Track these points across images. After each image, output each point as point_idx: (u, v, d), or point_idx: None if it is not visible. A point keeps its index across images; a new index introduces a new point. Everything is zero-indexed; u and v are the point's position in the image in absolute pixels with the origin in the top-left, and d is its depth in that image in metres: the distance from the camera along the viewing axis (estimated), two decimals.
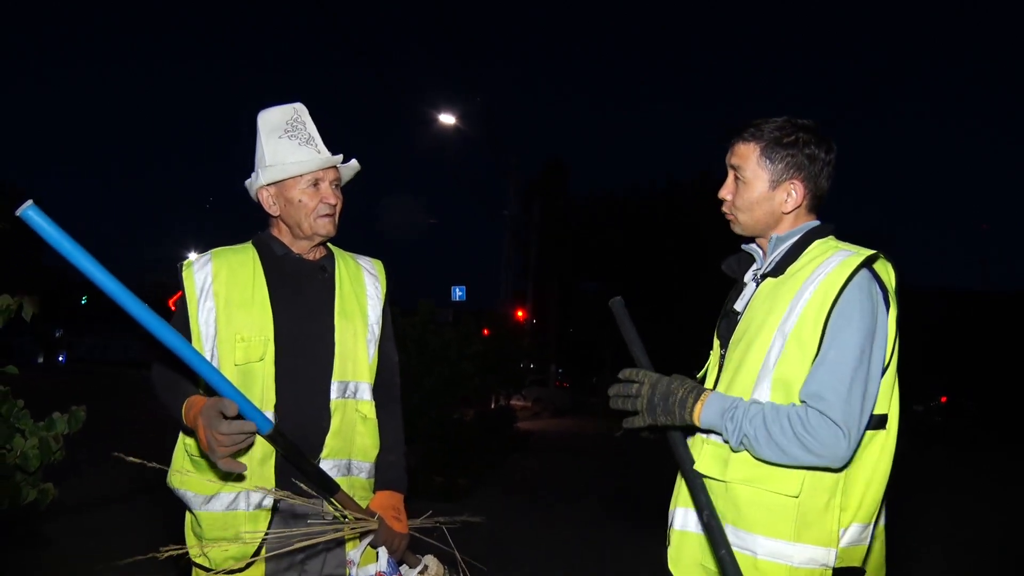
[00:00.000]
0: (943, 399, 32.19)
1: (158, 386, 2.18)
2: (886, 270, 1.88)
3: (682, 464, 1.96)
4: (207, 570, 2.17)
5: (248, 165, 2.38)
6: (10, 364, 2.85)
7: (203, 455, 2.12)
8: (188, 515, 2.24)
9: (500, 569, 6.22)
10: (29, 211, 1.46)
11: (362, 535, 2.21)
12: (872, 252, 1.86)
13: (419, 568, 2.31)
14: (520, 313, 30.49)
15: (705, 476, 1.92)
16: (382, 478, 2.39)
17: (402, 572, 2.27)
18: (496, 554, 6.69)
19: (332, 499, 2.16)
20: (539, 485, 11.16)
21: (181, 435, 2.23)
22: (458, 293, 28.55)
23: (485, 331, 18.33)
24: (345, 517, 2.17)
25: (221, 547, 2.12)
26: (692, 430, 1.98)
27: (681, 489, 2.06)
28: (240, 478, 2.13)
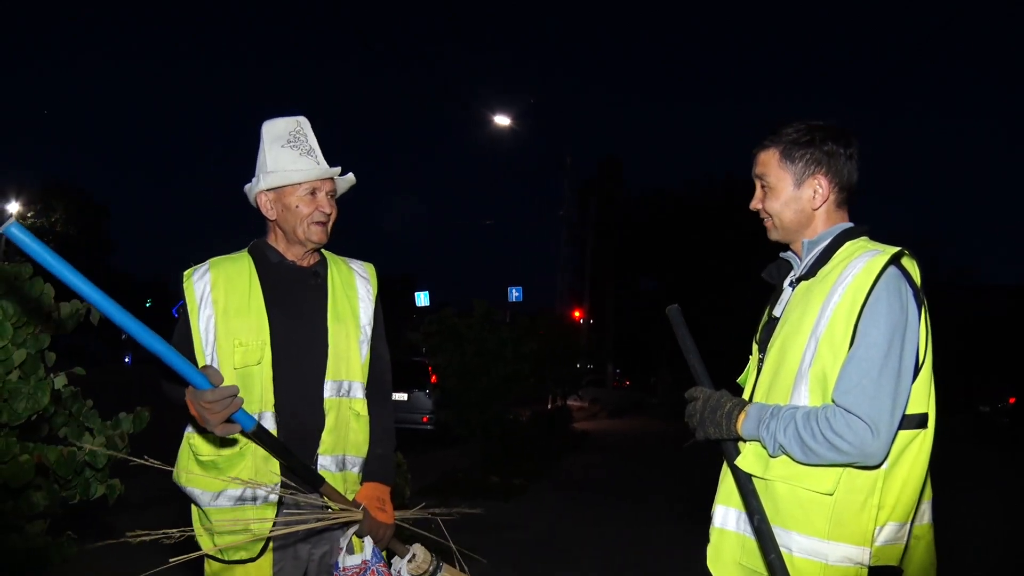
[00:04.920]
0: (1011, 400, 31.20)
1: (165, 387, 2.29)
2: (913, 267, 1.90)
3: (735, 472, 1.99)
4: (221, 562, 2.29)
5: (249, 171, 2.50)
6: (78, 366, 2.99)
7: (203, 443, 2.26)
8: (196, 511, 2.36)
9: (556, 566, 6.27)
10: (12, 228, 1.51)
11: (348, 525, 2.32)
12: (898, 249, 1.88)
13: (408, 557, 2.40)
14: (577, 312, 30.47)
15: (747, 474, 1.95)
16: (369, 470, 2.49)
17: (392, 563, 2.38)
18: (551, 551, 6.74)
19: (319, 491, 2.25)
20: (595, 485, 11.17)
21: (186, 436, 2.34)
22: (515, 294, 28.56)
23: (541, 331, 18.40)
24: (330, 508, 2.28)
25: (233, 539, 2.24)
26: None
27: (723, 487, 2.10)
28: (245, 472, 2.25)
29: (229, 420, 2.01)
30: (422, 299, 32.37)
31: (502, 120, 22.77)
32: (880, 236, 2.02)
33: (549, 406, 17.91)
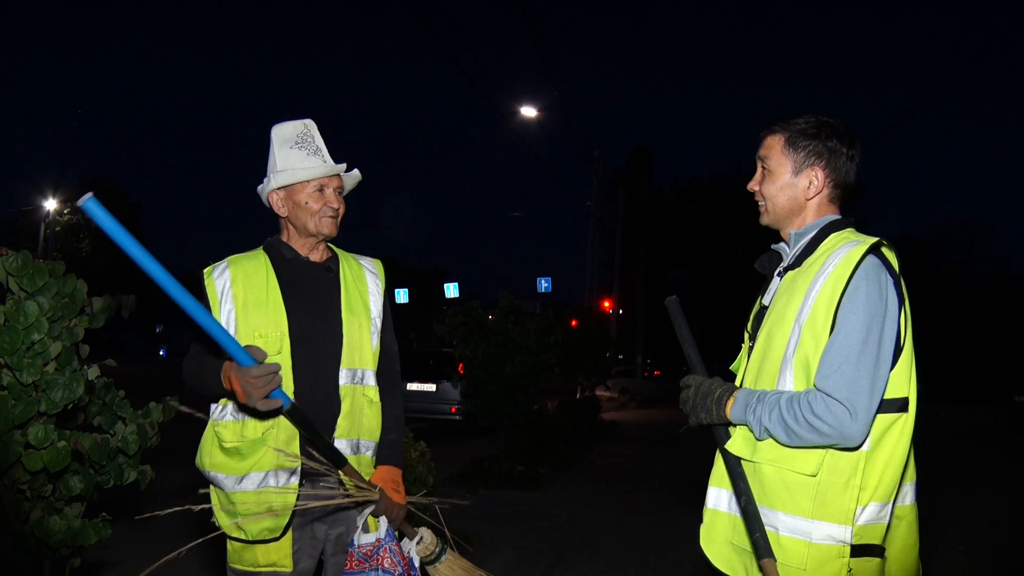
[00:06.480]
0: None
1: (187, 378, 2.45)
2: (892, 256, 1.98)
3: (725, 455, 2.10)
4: (244, 542, 2.42)
5: (260, 172, 2.65)
6: (114, 359, 3.15)
7: (231, 429, 2.40)
8: (217, 496, 2.48)
9: (578, 554, 6.37)
10: (89, 202, 1.64)
11: (364, 504, 2.46)
12: (877, 239, 1.97)
13: (416, 539, 2.55)
14: (606, 303, 30.47)
15: (736, 456, 2.05)
16: (383, 454, 2.63)
17: (402, 544, 2.52)
18: (573, 541, 6.83)
19: (341, 471, 2.39)
20: (621, 474, 11.26)
21: (211, 424, 2.47)
22: (544, 284, 28.63)
23: (574, 322, 18.46)
24: (348, 488, 2.41)
25: (256, 521, 2.36)
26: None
27: (715, 470, 2.20)
28: (267, 458, 2.38)
29: (268, 397, 2.14)
30: (452, 290, 32.58)
31: (528, 111, 22.77)
32: (878, 230, 2.09)
33: (577, 396, 17.98)
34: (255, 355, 2.09)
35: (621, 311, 34.68)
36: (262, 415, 2.36)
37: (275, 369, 2.11)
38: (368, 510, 2.46)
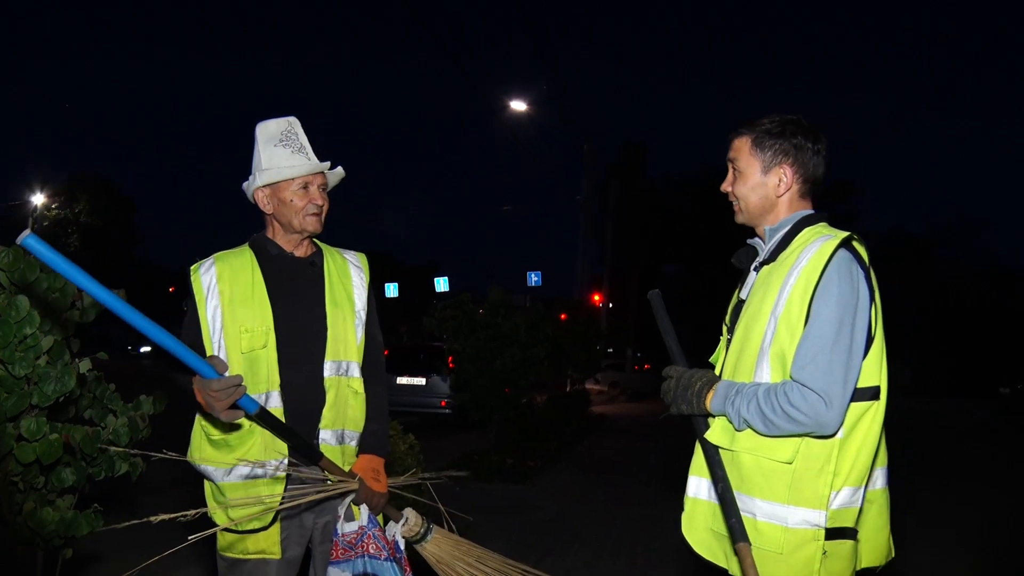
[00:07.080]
0: None
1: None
2: (863, 250, 2.04)
3: (704, 444, 2.16)
4: (235, 532, 2.47)
5: (245, 170, 2.68)
6: (102, 351, 3.18)
7: (214, 424, 2.42)
8: (209, 487, 2.54)
9: (568, 546, 6.42)
10: (28, 239, 1.59)
11: (345, 494, 2.50)
12: (848, 233, 2.03)
13: (401, 522, 2.60)
14: (596, 297, 30.53)
15: (715, 446, 2.11)
16: (365, 444, 2.67)
17: (387, 528, 2.57)
18: (563, 533, 6.88)
19: (319, 465, 2.44)
20: (611, 466, 11.33)
21: (198, 419, 2.51)
22: (533, 278, 28.65)
23: (563, 316, 18.51)
24: (329, 480, 2.46)
25: (246, 512, 2.41)
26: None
27: (696, 460, 2.26)
28: (255, 450, 2.42)
29: (234, 406, 2.16)
30: (442, 285, 32.57)
31: (518, 105, 22.79)
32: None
33: (567, 389, 18.04)
34: (217, 367, 2.09)
35: (611, 305, 34.77)
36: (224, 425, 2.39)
37: (236, 382, 2.12)
38: (348, 499, 2.51)
